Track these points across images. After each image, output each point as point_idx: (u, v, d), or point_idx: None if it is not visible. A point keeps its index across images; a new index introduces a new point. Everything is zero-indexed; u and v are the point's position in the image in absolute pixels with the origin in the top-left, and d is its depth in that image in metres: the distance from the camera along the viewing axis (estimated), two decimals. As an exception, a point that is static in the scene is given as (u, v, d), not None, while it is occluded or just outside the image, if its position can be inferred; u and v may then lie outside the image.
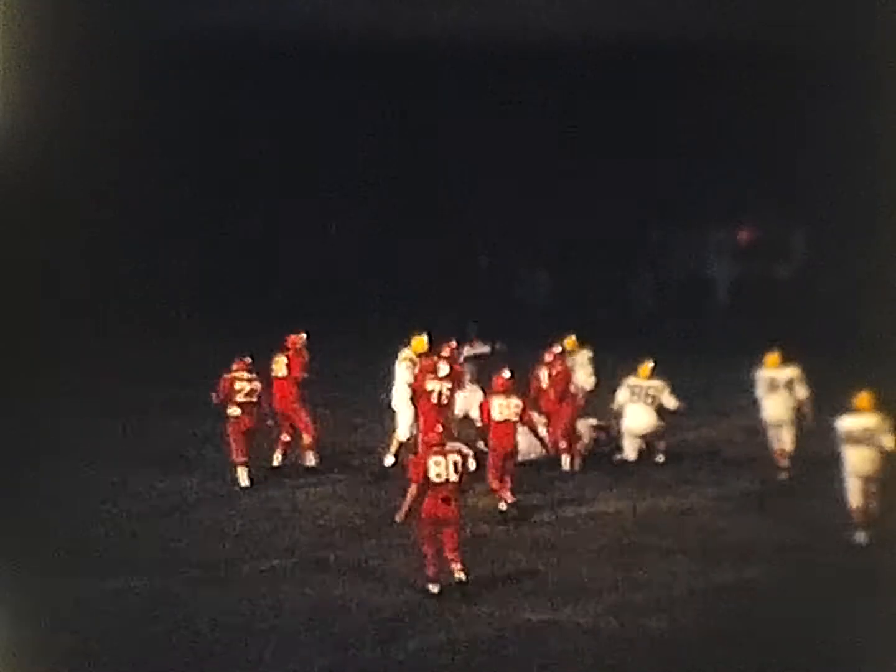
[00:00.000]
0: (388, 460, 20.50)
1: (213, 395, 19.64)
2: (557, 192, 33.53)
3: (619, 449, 21.31)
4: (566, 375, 21.20)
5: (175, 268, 33.59)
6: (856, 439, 17.25)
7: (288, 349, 20.62)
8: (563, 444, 20.77)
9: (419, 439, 18.82)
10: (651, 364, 21.23)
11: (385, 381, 20.85)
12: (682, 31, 28.23)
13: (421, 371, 20.16)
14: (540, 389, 21.18)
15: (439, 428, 16.89)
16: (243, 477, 19.67)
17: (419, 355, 20.39)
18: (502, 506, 18.51)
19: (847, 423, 17.37)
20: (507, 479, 18.68)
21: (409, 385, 20.19)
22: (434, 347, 20.49)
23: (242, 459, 19.66)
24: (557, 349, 21.43)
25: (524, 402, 19.07)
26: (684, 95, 30.42)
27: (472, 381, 21.58)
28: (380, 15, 28.80)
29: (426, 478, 15.66)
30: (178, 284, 32.51)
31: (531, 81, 32.23)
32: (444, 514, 15.66)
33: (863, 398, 17.40)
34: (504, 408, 18.78)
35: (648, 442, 21.25)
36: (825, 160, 28.83)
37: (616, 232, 34.45)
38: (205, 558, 16.92)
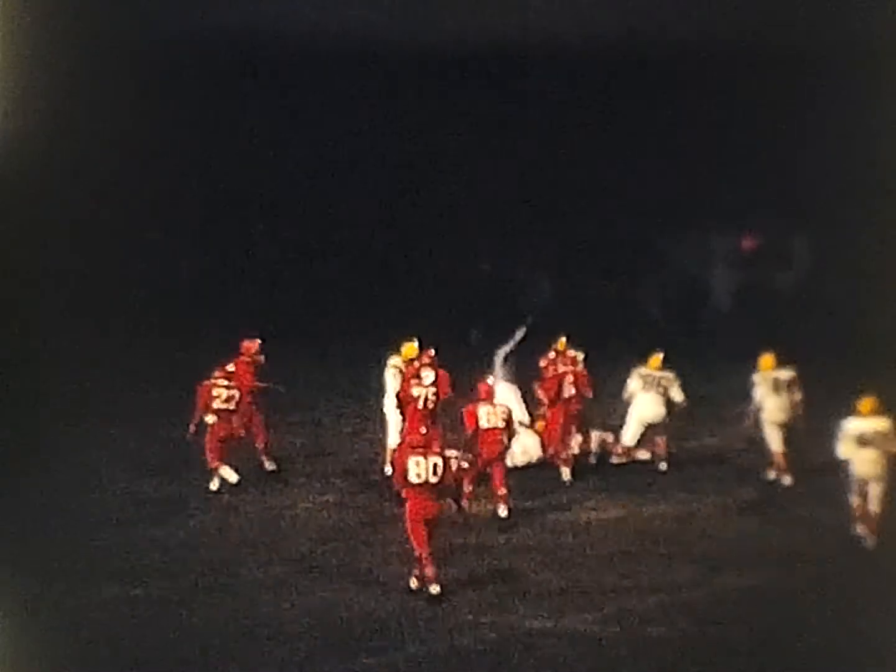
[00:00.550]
0: (388, 469, 20.40)
1: (191, 427, 19.68)
2: (558, 195, 33.47)
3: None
4: (559, 380, 21.08)
5: (175, 268, 33.52)
6: (865, 442, 17.23)
7: (241, 354, 20.54)
8: (554, 451, 20.69)
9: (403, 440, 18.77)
10: (661, 355, 21.19)
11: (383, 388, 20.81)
12: (684, 33, 28.18)
13: (406, 378, 20.08)
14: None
15: (423, 430, 16.97)
16: (230, 475, 19.61)
17: (409, 361, 20.31)
18: (503, 512, 18.47)
19: (857, 425, 17.35)
20: (504, 486, 18.62)
21: (396, 393, 20.14)
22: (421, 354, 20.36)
23: (217, 465, 19.62)
24: (551, 354, 21.36)
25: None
26: (685, 98, 30.35)
27: (506, 381, 21.55)
28: (380, 16, 28.76)
29: (405, 479, 15.77)
30: (178, 285, 32.45)
31: (533, 84, 32.17)
32: (430, 512, 15.77)
33: (867, 402, 17.44)
34: (491, 415, 18.76)
35: (649, 440, 21.21)
36: (825, 161, 28.77)
37: (618, 237, 34.37)
38: (204, 564, 16.88)
